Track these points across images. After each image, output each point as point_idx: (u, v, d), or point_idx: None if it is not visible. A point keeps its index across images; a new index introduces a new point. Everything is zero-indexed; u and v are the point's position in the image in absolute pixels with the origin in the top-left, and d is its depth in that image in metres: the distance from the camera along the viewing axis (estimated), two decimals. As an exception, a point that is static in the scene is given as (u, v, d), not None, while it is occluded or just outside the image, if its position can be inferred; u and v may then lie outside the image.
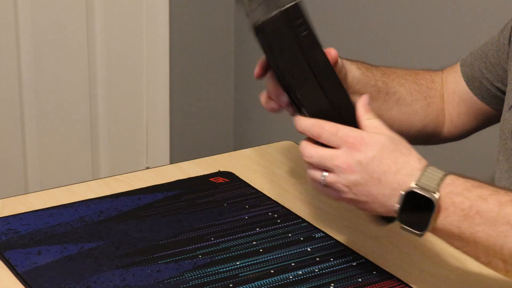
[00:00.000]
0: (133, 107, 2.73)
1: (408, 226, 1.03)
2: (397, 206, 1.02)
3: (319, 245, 1.21)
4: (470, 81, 1.39)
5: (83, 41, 2.57)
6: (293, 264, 1.16)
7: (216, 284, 1.11)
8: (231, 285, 1.11)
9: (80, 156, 2.68)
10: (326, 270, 1.15)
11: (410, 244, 1.23)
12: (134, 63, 2.68)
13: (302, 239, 1.23)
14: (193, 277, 1.12)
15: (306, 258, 1.18)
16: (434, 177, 1.02)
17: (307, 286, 1.12)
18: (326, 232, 1.25)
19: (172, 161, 2.78)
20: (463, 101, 1.41)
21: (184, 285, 1.11)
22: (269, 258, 1.18)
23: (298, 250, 1.20)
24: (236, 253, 1.18)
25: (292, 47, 1.05)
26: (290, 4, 1.04)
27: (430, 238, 1.25)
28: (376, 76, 1.32)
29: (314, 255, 1.19)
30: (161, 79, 2.72)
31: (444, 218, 1.01)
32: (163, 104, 2.74)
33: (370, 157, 1.02)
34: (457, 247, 1.04)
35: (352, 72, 1.27)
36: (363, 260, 1.18)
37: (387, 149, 1.03)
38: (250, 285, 1.11)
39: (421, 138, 1.40)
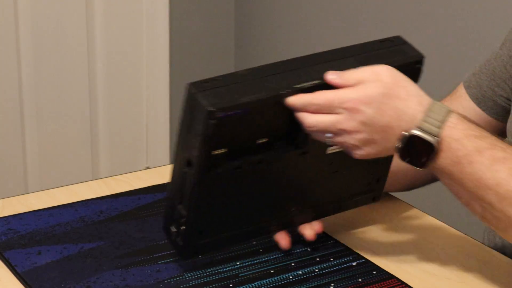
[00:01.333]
0: (133, 107, 2.72)
1: (408, 163, 1.08)
2: (399, 145, 1.06)
3: (319, 245, 1.21)
4: (481, 102, 1.33)
5: (83, 41, 2.57)
6: (293, 264, 1.16)
7: (216, 284, 1.11)
8: (231, 285, 1.11)
9: (80, 156, 2.68)
10: (326, 270, 1.15)
11: (410, 244, 1.23)
12: (134, 63, 2.68)
13: (302, 239, 1.22)
14: (193, 277, 1.12)
15: (306, 258, 1.18)
16: (436, 119, 1.06)
17: (307, 286, 1.12)
18: (326, 232, 1.24)
19: (172, 161, 2.77)
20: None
21: (184, 285, 1.10)
22: (269, 258, 1.17)
23: (298, 250, 1.19)
24: (236, 253, 1.18)
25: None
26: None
27: (430, 238, 1.25)
28: None
29: (314, 255, 1.18)
30: (161, 79, 2.71)
31: (439, 159, 1.06)
32: (163, 104, 2.74)
33: (371, 114, 1.05)
34: (444, 184, 1.10)
35: None
36: (363, 260, 1.18)
37: (385, 99, 1.06)
38: (250, 285, 1.11)
39: None
